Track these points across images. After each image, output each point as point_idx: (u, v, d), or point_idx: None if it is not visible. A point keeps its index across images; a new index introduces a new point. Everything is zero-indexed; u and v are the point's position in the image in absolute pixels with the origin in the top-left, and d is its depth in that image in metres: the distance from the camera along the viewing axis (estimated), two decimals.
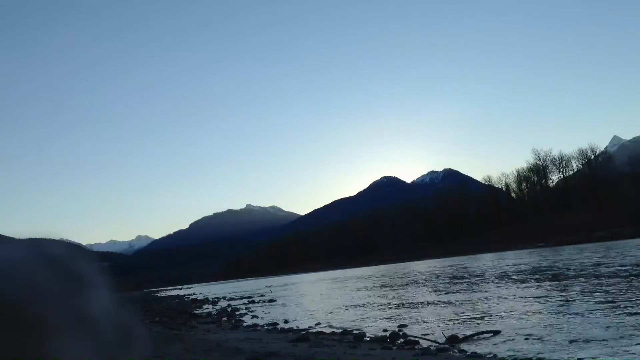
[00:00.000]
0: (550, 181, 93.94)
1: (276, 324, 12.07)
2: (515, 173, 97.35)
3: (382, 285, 22.36)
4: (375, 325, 9.74)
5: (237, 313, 17.02)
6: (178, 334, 9.43)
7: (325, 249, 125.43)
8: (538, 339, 6.41)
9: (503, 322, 8.01)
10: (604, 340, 5.83)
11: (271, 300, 21.72)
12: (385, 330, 8.68)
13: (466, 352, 6.15)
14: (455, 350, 6.33)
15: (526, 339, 6.50)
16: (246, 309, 18.68)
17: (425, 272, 29.34)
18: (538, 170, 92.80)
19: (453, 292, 14.40)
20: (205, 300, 29.55)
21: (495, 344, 6.46)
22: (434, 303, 12.29)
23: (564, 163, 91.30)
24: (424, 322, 9.30)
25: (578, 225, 61.06)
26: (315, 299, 20.31)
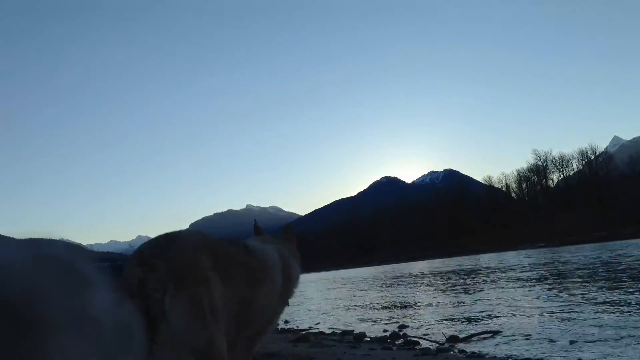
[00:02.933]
0: (551, 181, 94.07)
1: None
2: (515, 173, 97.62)
3: (383, 286, 22.36)
4: (375, 325, 9.73)
5: None
6: None
7: (326, 249, 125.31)
8: (538, 339, 6.40)
9: (503, 323, 8.00)
10: (604, 340, 5.83)
11: None
12: (385, 331, 8.68)
13: (466, 352, 6.14)
14: (456, 351, 6.32)
15: (526, 339, 6.50)
16: None
17: (425, 272, 29.33)
18: (538, 171, 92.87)
19: (453, 293, 14.40)
20: None
21: (495, 344, 6.45)
22: (434, 303, 12.29)
23: (564, 163, 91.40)
24: (424, 322, 9.30)
25: (578, 225, 61.06)
26: (316, 299, 20.30)
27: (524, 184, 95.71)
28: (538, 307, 9.13)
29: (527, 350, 5.90)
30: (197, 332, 1.48)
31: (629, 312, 7.44)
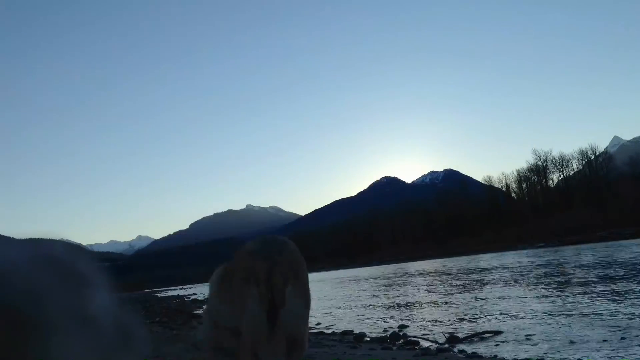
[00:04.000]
0: (551, 181, 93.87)
1: None
2: (515, 173, 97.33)
3: (382, 286, 22.35)
4: (375, 325, 9.73)
5: None
6: (178, 334, 9.41)
7: (326, 249, 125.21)
8: (538, 339, 6.40)
9: (503, 323, 8.00)
10: (604, 340, 5.82)
11: None
12: (385, 331, 8.68)
13: (466, 352, 6.14)
14: (456, 351, 6.32)
15: (527, 339, 6.49)
16: None
17: (425, 272, 29.33)
18: (538, 171, 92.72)
19: (453, 293, 14.39)
20: (206, 301, 29.53)
21: (495, 344, 6.45)
22: (434, 303, 12.28)
23: (564, 163, 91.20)
24: (424, 322, 9.29)
25: (578, 225, 60.99)
26: (315, 299, 20.30)
27: (524, 184, 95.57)
28: (538, 307, 9.13)
29: (527, 350, 5.90)
30: (303, 320, 1.68)
31: (629, 312, 7.43)
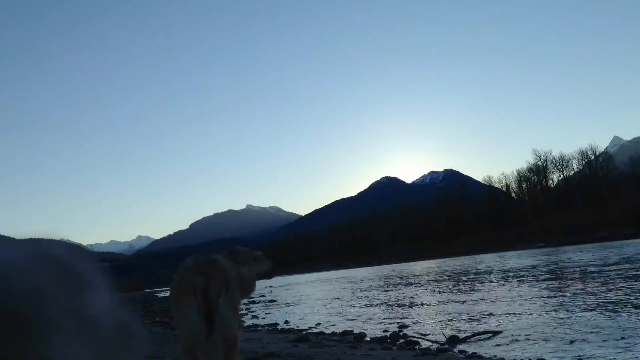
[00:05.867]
0: (551, 181, 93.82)
1: (276, 324, 12.06)
2: (515, 173, 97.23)
3: (383, 286, 22.35)
4: (375, 325, 9.73)
5: None
6: (178, 334, 9.39)
7: (326, 249, 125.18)
8: (538, 339, 6.40)
9: (503, 323, 8.00)
10: (604, 340, 5.82)
11: (271, 301, 21.71)
12: (385, 331, 8.68)
13: (466, 352, 6.14)
14: (456, 351, 6.32)
15: (527, 339, 6.49)
16: (246, 309, 18.67)
17: (425, 272, 29.33)
18: (538, 171, 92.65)
19: (453, 293, 14.39)
20: None
21: (495, 345, 6.45)
22: (434, 303, 12.29)
23: (564, 163, 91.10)
24: (425, 322, 9.29)
25: (578, 225, 60.98)
26: (316, 299, 20.29)
27: (524, 184, 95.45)
28: (538, 307, 9.13)
29: (527, 350, 5.90)
30: (233, 324, 2.23)
31: (628, 312, 7.44)
